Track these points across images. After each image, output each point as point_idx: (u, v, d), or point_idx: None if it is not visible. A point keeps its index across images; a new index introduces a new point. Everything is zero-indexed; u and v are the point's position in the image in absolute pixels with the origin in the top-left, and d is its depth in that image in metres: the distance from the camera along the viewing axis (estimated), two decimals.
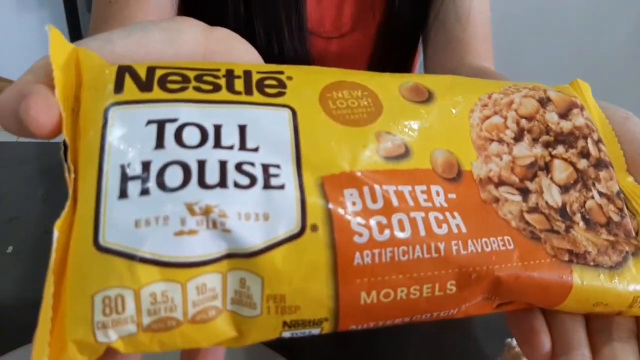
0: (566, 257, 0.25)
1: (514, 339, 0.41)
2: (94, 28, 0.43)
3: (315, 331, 0.23)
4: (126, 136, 0.22)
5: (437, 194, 0.25)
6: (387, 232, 0.23)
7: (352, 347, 0.46)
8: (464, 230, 0.24)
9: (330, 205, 0.22)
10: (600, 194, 0.28)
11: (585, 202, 0.27)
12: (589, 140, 0.29)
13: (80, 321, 0.20)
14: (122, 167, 0.21)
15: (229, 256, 0.21)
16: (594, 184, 0.28)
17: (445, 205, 0.24)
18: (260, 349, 0.42)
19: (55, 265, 0.21)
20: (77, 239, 0.21)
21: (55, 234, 0.21)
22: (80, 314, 0.20)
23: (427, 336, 0.49)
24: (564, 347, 0.26)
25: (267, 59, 0.29)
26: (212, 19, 0.47)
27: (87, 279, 0.20)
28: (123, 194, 0.21)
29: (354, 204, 0.23)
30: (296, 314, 0.22)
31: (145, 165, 0.22)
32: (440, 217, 0.24)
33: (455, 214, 0.24)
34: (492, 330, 0.50)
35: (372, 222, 0.23)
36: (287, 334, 0.23)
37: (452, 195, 0.25)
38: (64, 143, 0.22)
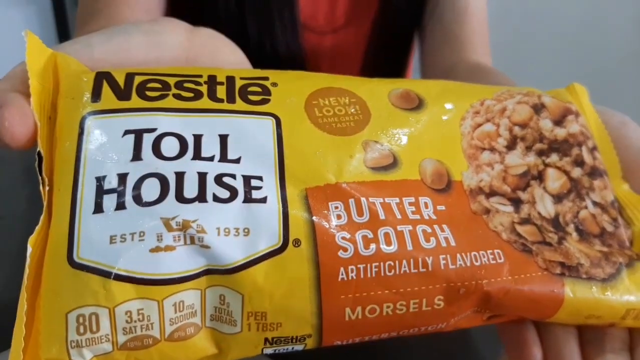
0: (558, 270, 0.24)
1: None
2: (81, 23, 0.42)
3: (299, 347, 0.22)
4: (102, 147, 0.21)
5: (426, 205, 0.24)
6: (372, 246, 0.22)
7: (345, 348, 0.45)
8: (452, 243, 0.23)
9: (314, 219, 0.22)
10: (594, 203, 0.27)
11: (578, 212, 0.26)
12: (584, 148, 0.28)
13: (54, 340, 0.20)
14: (98, 180, 0.21)
15: (207, 272, 0.21)
16: (587, 194, 0.27)
17: (434, 217, 0.24)
18: None
19: (29, 281, 0.20)
20: (51, 255, 0.20)
21: (29, 249, 0.20)
22: (54, 332, 0.20)
23: (424, 338, 0.48)
24: (556, 358, 0.25)
25: (259, 55, 0.28)
26: (203, 13, 0.46)
27: (61, 296, 0.20)
28: (98, 208, 0.20)
29: (338, 217, 0.22)
30: (278, 331, 0.22)
31: (122, 178, 0.21)
32: (429, 230, 0.23)
33: (444, 226, 0.24)
34: (491, 333, 0.49)
35: (358, 236, 0.22)
36: (269, 350, 0.22)
37: (441, 207, 0.24)
38: (39, 154, 0.21)
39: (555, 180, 0.27)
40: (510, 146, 0.27)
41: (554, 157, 0.27)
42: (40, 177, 0.22)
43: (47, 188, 0.21)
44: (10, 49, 0.23)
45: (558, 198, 0.26)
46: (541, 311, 0.25)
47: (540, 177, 0.27)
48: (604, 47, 1.51)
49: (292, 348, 0.22)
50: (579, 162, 0.27)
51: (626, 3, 1.47)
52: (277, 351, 0.22)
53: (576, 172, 0.27)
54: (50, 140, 0.22)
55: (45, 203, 0.21)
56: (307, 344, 0.22)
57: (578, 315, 0.25)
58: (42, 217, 0.21)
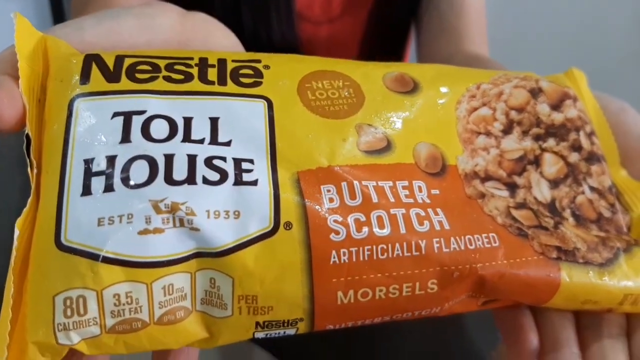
0: (554, 254, 0.24)
1: None
2: (75, 11, 0.42)
3: (291, 331, 0.22)
4: (91, 129, 0.21)
5: (420, 189, 0.24)
6: (365, 229, 0.22)
7: (341, 342, 0.45)
8: (446, 227, 0.23)
9: (306, 202, 0.22)
10: (592, 188, 0.27)
11: (575, 198, 0.26)
12: (581, 133, 0.28)
13: (40, 323, 0.19)
14: (86, 162, 0.21)
15: (197, 255, 0.20)
16: (585, 179, 0.27)
17: (427, 201, 0.23)
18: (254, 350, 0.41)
19: (16, 264, 0.20)
20: (39, 238, 0.20)
21: (16, 232, 0.20)
22: (41, 315, 0.19)
23: (420, 330, 0.48)
24: (552, 344, 0.25)
25: (255, 45, 0.28)
26: (198, 3, 0.46)
27: (48, 279, 0.19)
28: (86, 190, 0.20)
29: (331, 200, 0.22)
30: (269, 315, 0.21)
31: (110, 160, 0.21)
32: (422, 213, 0.23)
33: (438, 210, 0.23)
34: (487, 324, 0.48)
35: (350, 219, 0.22)
36: (260, 335, 0.22)
37: (436, 191, 0.24)
38: (27, 137, 0.21)
39: (552, 165, 0.26)
40: (507, 130, 0.27)
41: (550, 142, 0.27)
42: (28, 160, 0.21)
43: (35, 171, 0.21)
44: (6, 41, 0.23)
45: (554, 183, 0.26)
46: (537, 296, 0.24)
47: (536, 162, 0.26)
48: (604, 47, 1.50)
49: (284, 332, 0.22)
50: (576, 147, 0.27)
51: (626, 3, 1.47)
52: (268, 335, 0.22)
53: (573, 157, 0.27)
54: (40, 123, 0.22)
55: (33, 186, 0.21)
56: (299, 328, 0.22)
57: (574, 301, 0.25)
58: (30, 200, 0.21)
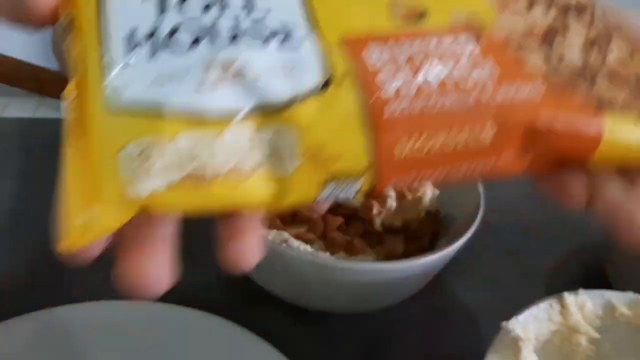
0: (596, 105, 0.25)
1: (509, 322, 0.38)
2: None
3: (356, 186, 0.22)
4: (126, 7, 0.21)
5: (464, 45, 0.24)
6: (415, 84, 0.22)
7: (341, 341, 0.45)
8: (494, 80, 0.23)
9: (354, 61, 0.22)
10: (619, 54, 0.27)
11: (605, 61, 0.27)
12: (596, 10, 0.28)
13: (108, 178, 0.19)
14: (129, 32, 0.21)
15: (257, 110, 0.20)
16: (609, 46, 0.27)
17: (471, 57, 0.24)
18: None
19: (72, 131, 0.19)
20: (93, 103, 0.20)
21: (68, 100, 0.19)
22: (107, 171, 0.19)
23: (418, 321, 0.48)
24: (598, 190, 0.25)
25: None
26: None
27: (109, 137, 0.19)
28: (134, 56, 0.20)
29: (378, 58, 0.22)
30: (335, 166, 0.21)
31: (153, 28, 0.21)
32: (469, 67, 0.23)
33: (484, 64, 0.24)
34: (485, 315, 0.49)
35: (399, 75, 0.22)
36: (327, 191, 0.21)
37: (477, 49, 0.24)
38: (66, 20, 0.21)
39: (577, 36, 0.27)
40: (530, 7, 0.27)
41: (572, 16, 0.28)
42: (67, 38, 0.21)
43: (74, 46, 0.21)
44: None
45: (584, 50, 0.27)
46: (583, 146, 0.24)
47: (562, 33, 0.27)
48: None
49: (350, 188, 0.22)
50: (594, 22, 0.28)
51: (626, 3, 1.52)
52: (334, 193, 0.22)
53: (594, 30, 0.28)
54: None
55: (73, 62, 0.21)
56: (364, 181, 0.22)
57: (618, 151, 0.25)
58: (73, 75, 0.20)
